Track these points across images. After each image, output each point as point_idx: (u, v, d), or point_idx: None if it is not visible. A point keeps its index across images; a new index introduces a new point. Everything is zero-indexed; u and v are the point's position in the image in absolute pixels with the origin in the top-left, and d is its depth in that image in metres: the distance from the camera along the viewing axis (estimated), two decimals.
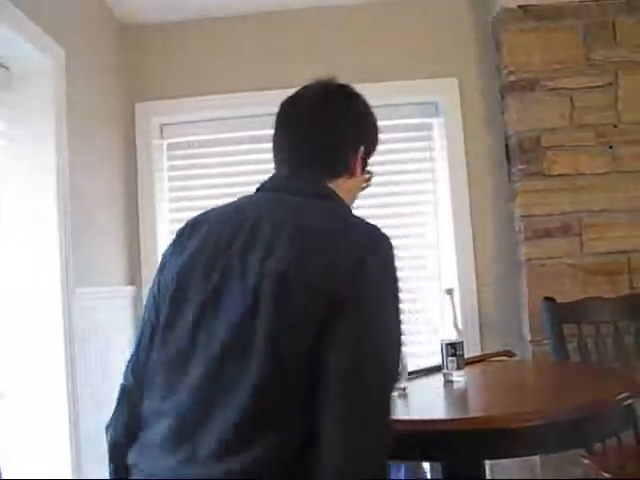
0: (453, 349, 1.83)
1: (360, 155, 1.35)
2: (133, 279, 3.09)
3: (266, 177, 1.32)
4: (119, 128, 3.11)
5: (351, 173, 1.34)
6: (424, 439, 1.44)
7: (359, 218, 1.22)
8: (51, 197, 2.31)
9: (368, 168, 1.41)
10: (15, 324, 2.21)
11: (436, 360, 1.96)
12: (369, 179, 1.42)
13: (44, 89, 2.33)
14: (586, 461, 2.33)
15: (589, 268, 2.80)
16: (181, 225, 1.31)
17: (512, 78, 2.90)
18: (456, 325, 1.85)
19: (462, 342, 1.85)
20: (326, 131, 1.32)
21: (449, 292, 1.90)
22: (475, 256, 3.05)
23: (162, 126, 3.27)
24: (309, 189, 1.26)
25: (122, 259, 3.02)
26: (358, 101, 1.39)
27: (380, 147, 1.39)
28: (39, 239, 2.29)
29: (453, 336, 1.84)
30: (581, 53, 2.88)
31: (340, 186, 1.31)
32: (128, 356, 1.29)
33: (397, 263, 1.14)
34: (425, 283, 3.16)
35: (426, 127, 3.24)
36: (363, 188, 1.42)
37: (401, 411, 1.70)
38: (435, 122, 3.22)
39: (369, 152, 1.39)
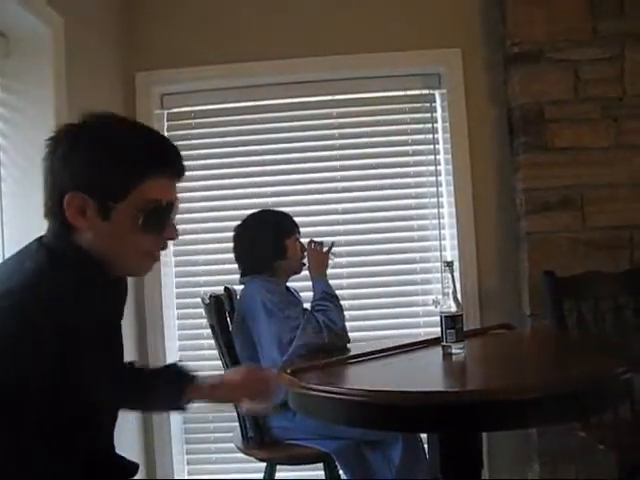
0: (452, 322, 1.83)
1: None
2: None
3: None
4: (119, 98, 3.08)
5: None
6: (422, 411, 1.45)
7: None
8: None
9: None
10: None
11: (435, 332, 1.97)
12: None
13: (43, 58, 2.30)
14: (582, 433, 2.35)
15: (590, 242, 2.79)
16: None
17: (516, 49, 2.86)
18: (456, 298, 1.86)
19: (461, 315, 1.85)
20: None
21: (449, 265, 1.90)
22: (476, 229, 3.04)
23: (162, 96, 3.24)
24: None
25: None
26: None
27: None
28: (39, 206, 2.27)
29: (453, 309, 1.84)
30: (587, 24, 2.82)
31: None
32: None
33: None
34: (426, 255, 3.16)
35: (428, 98, 3.21)
36: None
37: (400, 383, 1.71)
38: (437, 93, 3.19)
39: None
